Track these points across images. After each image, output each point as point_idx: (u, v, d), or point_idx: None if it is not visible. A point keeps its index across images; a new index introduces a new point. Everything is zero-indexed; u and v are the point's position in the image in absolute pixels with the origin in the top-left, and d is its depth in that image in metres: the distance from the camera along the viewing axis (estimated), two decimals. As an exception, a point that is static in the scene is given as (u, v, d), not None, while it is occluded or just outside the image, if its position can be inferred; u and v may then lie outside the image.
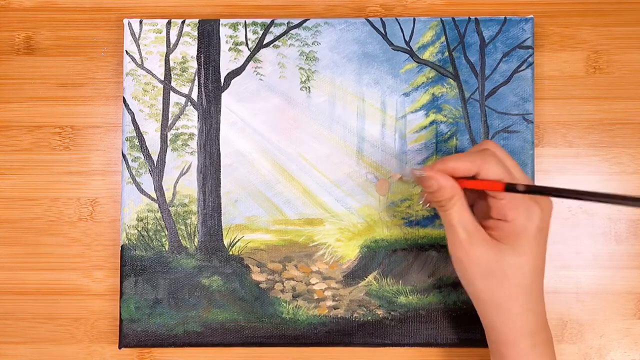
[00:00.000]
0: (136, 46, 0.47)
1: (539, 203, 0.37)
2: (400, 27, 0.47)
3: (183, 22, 0.47)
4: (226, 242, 0.47)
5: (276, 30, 0.47)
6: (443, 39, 0.47)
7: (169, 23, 0.47)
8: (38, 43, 0.49)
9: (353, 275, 0.47)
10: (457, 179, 0.38)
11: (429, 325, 0.46)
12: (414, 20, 0.47)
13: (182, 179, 0.47)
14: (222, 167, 0.47)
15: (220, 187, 0.47)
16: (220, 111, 0.47)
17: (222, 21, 0.47)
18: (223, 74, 0.47)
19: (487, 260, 0.36)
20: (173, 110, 0.47)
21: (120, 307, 0.46)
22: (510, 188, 0.36)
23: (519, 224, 0.36)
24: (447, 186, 0.37)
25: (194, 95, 0.47)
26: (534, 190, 0.35)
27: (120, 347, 0.46)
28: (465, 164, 0.37)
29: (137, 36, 0.47)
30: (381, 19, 0.47)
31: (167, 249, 0.47)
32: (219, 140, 0.47)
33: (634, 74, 0.48)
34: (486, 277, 0.37)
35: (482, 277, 0.37)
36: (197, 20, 0.47)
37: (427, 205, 0.40)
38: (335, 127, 0.47)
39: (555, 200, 0.48)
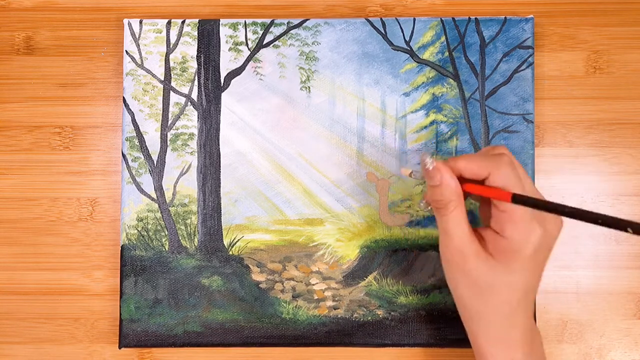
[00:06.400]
0: (136, 46, 0.47)
1: (544, 223, 0.35)
2: (400, 27, 0.47)
3: (183, 22, 0.47)
4: (226, 242, 0.47)
5: (276, 30, 0.47)
6: (443, 39, 0.47)
7: (169, 23, 0.47)
8: (38, 43, 0.49)
9: (353, 276, 0.47)
10: (465, 182, 0.36)
11: (429, 325, 0.46)
12: (414, 20, 0.47)
13: (182, 179, 0.47)
14: (222, 167, 0.47)
15: (220, 187, 0.47)
16: (220, 111, 0.47)
17: (222, 21, 0.47)
18: (223, 74, 0.47)
19: (477, 273, 0.36)
20: (173, 110, 0.47)
21: (120, 307, 0.46)
22: (518, 200, 0.33)
23: (514, 242, 0.35)
24: (451, 185, 0.36)
25: (194, 95, 0.47)
26: (542, 206, 0.33)
27: (120, 347, 0.46)
28: (476, 165, 0.36)
29: (137, 36, 0.47)
30: (381, 19, 0.47)
31: (167, 249, 0.47)
32: (218, 140, 0.47)
33: (634, 74, 0.48)
34: (473, 287, 0.36)
35: (468, 286, 0.36)
36: (197, 20, 0.47)
37: (428, 208, 0.40)
38: (335, 127, 0.47)
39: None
